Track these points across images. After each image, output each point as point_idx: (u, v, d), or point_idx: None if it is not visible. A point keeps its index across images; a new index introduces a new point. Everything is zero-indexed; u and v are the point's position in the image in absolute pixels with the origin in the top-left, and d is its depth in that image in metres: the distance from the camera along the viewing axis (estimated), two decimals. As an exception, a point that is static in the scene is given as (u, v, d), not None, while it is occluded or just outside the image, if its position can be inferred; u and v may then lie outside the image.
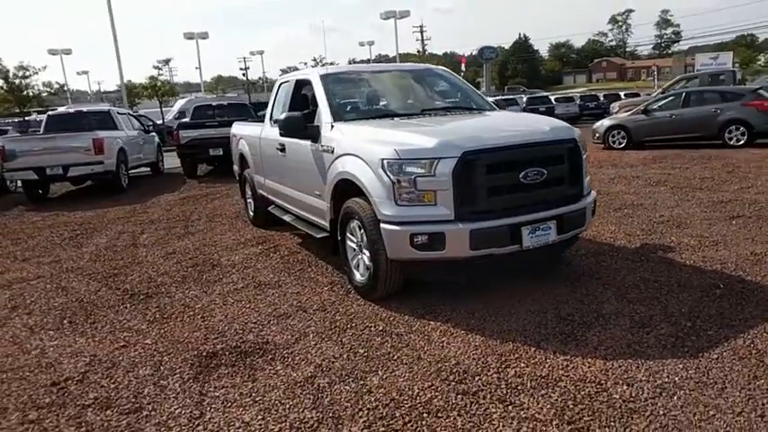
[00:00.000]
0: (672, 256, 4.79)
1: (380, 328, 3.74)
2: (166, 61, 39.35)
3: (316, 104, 5.11)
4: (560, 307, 3.87)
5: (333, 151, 4.43)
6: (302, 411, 2.78)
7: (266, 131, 6.26)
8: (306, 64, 48.50)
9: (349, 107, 4.94)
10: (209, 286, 4.96)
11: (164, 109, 33.14)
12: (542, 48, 75.19)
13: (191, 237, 7.01)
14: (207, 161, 13.72)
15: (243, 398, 2.95)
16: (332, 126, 4.59)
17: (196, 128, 13.32)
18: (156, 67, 38.52)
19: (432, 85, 5.64)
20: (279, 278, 5.02)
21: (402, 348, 3.41)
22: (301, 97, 5.65)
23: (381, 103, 5.22)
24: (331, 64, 53.25)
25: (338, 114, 4.74)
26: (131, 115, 14.36)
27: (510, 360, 3.18)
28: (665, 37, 55.84)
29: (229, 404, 2.89)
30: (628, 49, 77.43)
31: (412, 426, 2.59)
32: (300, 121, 4.83)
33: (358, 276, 4.36)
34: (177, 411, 2.85)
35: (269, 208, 6.59)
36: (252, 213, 7.47)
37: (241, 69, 57.72)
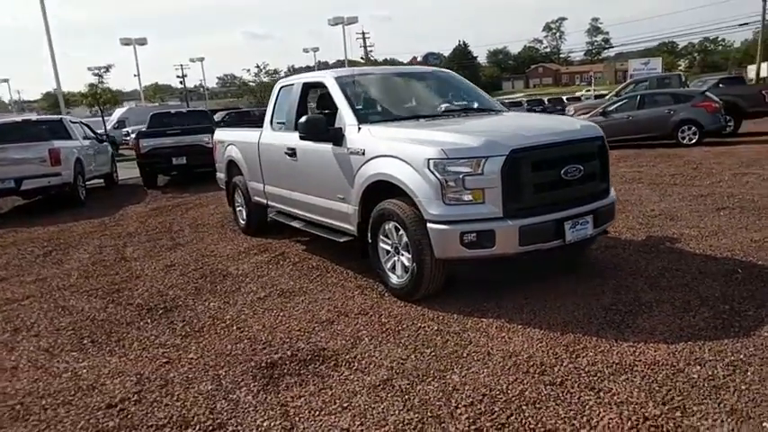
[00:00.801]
0: (680, 246, 5.06)
1: (435, 328, 3.73)
2: (107, 68, 37.34)
3: (332, 107, 5.06)
4: (600, 298, 4.00)
5: (363, 153, 4.40)
6: (399, 413, 2.73)
7: (268, 136, 6.12)
8: (250, 71, 47.70)
9: (371, 109, 4.91)
10: (230, 297, 4.78)
11: (94, 118, 31.60)
12: (481, 54, 77.99)
13: (182, 248, 6.73)
14: (169, 170, 13.19)
15: (328, 405, 2.87)
16: (359, 128, 4.55)
17: (157, 136, 12.81)
18: (96, 74, 36.48)
19: (441, 87, 5.71)
20: (301, 285, 4.91)
21: (467, 346, 3.42)
22: (315, 100, 5.56)
23: (402, 105, 5.23)
24: (275, 71, 52.64)
25: (362, 116, 4.71)
26: (83, 124, 13.61)
27: (578, 350, 3.25)
28: (595, 44, 59.10)
29: (317, 412, 2.81)
30: (561, 56, 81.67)
31: (516, 418, 2.61)
32: (323, 124, 4.76)
33: (394, 279, 4.34)
34: (265, 424, 2.74)
35: (271, 215, 6.44)
36: (243, 222, 7.27)
37: (178, 77, 55.92)
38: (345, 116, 4.74)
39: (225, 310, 4.48)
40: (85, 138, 12.82)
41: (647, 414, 2.57)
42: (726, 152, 10.73)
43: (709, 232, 5.38)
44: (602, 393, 2.77)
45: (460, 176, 3.74)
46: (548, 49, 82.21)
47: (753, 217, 5.78)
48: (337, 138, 4.72)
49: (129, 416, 2.93)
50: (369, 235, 4.51)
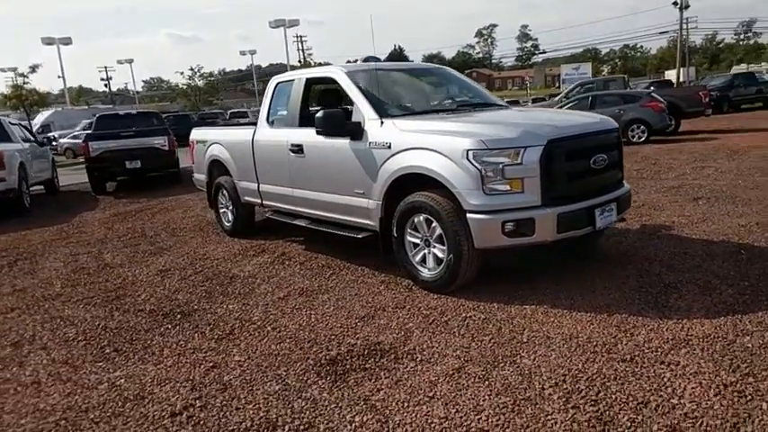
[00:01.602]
0: (676, 233, 5.37)
1: (480, 316, 3.77)
2: (33, 68, 34.32)
3: (337, 103, 5.00)
4: (627, 282, 4.18)
5: (389, 147, 4.37)
6: (489, 398, 2.74)
7: (265, 133, 5.95)
8: (183, 74, 45.86)
9: (388, 103, 4.88)
10: (247, 298, 4.61)
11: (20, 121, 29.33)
12: (416, 58, 79.30)
13: (168, 253, 6.41)
14: (122, 175, 12.50)
15: (413, 396, 2.83)
16: (381, 122, 4.52)
17: (108, 139, 12.12)
18: (21, 75, 33.54)
19: (444, 82, 5.77)
20: (319, 284, 4.81)
21: (522, 331, 3.48)
22: (317, 96, 5.46)
23: (417, 100, 5.24)
24: (210, 74, 51.02)
25: (382, 111, 4.68)
26: (23, 126, 12.67)
27: (630, 329, 3.39)
28: (525, 49, 61.61)
29: (405, 404, 2.76)
30: (494, 61, 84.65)
31: (605, 394, 2.69)
32: (342, 118, 4.70)
33: (426, 272, 4.34)
34: (358, 419, 2.66)
35: (267, 215, 6.25)
36: (229, 224, 7.02)
37: (102, 80, 53.07)
38: (364, 110, 4.69)
39: (248, 311, 4.31)
40: (25, 140, 11.94)
41: (724, 382, 2.71)
42: (675, 149, 11.49)
43: (697, 219, 5.74)
44: (672, 366, 2.90)
45: (500, 166, 3.80)
46: (480, 55, 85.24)
47: (730, 205, 6.23)
48: (356, 132, 4.66)
49: (202, 422, 2.76)
50: (394, 229, 4.48)
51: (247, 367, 3.33)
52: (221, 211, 7.22)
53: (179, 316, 4.32)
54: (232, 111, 36.58)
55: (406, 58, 67.53)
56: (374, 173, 4.54)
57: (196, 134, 7.70)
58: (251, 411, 2.81)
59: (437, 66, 6.08)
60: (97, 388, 3.25)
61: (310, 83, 5.56)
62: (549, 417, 2.56)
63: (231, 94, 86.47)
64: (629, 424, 2.46)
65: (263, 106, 6.08)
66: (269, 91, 6.06)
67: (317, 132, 4.84)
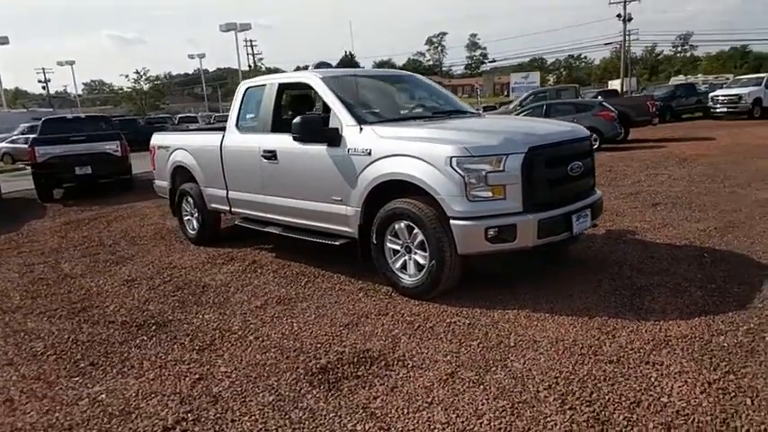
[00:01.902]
0: (640, 237, 5.61)
1: (465, 322, 3.81)
2: None
3: (308, 108, 4.98)
4: (601, 285, 4.33)
5: (369, 153, 4.37)
6: (487, 402, 2.78)
7: (234, 139, 5.83)
8: (128, 77, 44.27)
9: (365, 110, 4.89)
10: (223, 308, 4.50)
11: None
12: (367, 65, 79.38)
13: (131, 262, 6.18)
14: (70, 181, 11.92)
15: (411, 402, 2.84)
16: (360, 129, 4.52)
17: (57, 143, 11.56)
18: None
19: (416, 90, 5.82)
20: (296, 292, 4.75)
21: (509, 336, 3.55)
22: (289, 101, 5.41)
23: (392, 106, 5.26)
24: (157, 78, 49.50)
25: (360, 117, 4.68)
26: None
27: (611, 331, 3.51)
28: (474, 58, 62.97)
29: (404, 410, 2.77)
30: (444, 69, 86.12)
31: (598, 395, 2.78)
32: (319, 124, 4.67)
33: (406, 278, 4.36)
34: (360, 428, 2.65)
35: (237, 222, 6.12)
36: (194, 232, 6.83)
37: (40, 82, 50.59)
38: (341, 117, 4.68)
39: (226, 321, 4.21)
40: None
41: (707, 380, 2.86)
42: (626, 156, 11.99)
43: (658, 224, 6.02)
44: (657, 366, 3.03)
45: (482, 173, 3.87)
46: (430, 62, 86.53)
47: (687, 210, 6.56)
48: (333, 138, 4.64)
49: (197, 436, 2.68)
50: (374, 236, 4.48)
51: (236, 378, 3.25)
52: (185, 218, 7.02)
53: (154, 327, 4.17)
54: (181, 115, 35.60)
55: (356, 65, 67.55)
56: (353, 179, 4.53)
57: (158, 139, 7.47)
58: (248, 424, 2.75)
59: (408, 73, 6.15)
60: (77, 404, 3.10)
61: (283, 88, 5.50)
62: (548, 419, 2.62)
63: (178, 98, 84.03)
64: (625, 423, 2.55)
65: (232, 111, 5.97)
66: (238, 96, 5.95)
67: (294, 138, 4.79)
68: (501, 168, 3.88)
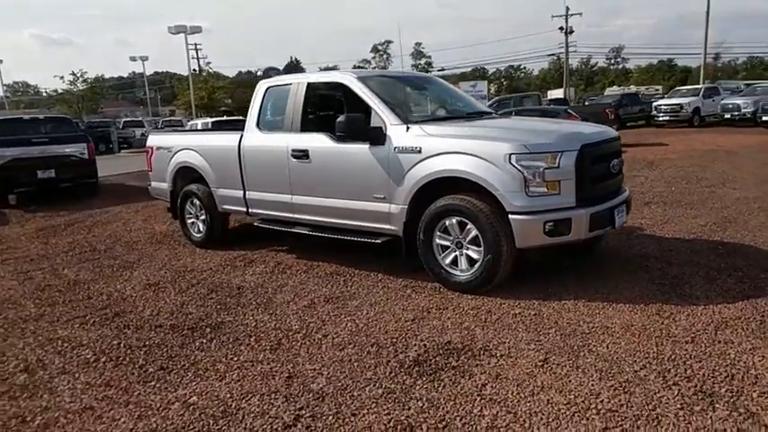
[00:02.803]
0: (650, 233, 5.95)
1: (531, 313, 3.94)
2: None
3: (347, 108, 5.00)
4: (638, 276, 4.58)
5: (420, 151, 4.44)
6: (599, 382, 2.91)
7: (256, 139, 5.73)
8: (62, 78, 41.65)
9: (404, 109, 4.94)
10: (270, 309, 4.42)
11: None
12: (313, 71, 78.36)
13: (140, 266, 5.93)
14: (31, 185, 11.19)
15: (524, 387, 2.93)
16: (407, 127, 4.58)
17: (17, 146, 10.84)
18: None
19: (442, 92, 5.93)
20: (340, 291, 4.73)
21: (579, 324, 3.71)
22: (319, 101, 5.39)
23: (428, 107, 5.34)
24: (96, 80, 47.11)
25: (404, 116, 4.74)
26: None
27: (670, 316, 3.74)
28: (419, 67, 63.94)
29: (524, 395, 2.85)
30: None
31: (692, 370, 2.98)
32: (364, 123, 4.70)
33: (458, 273, 4.44)
34: (487, 412, 2.71)
35: (256, 223, 6.00)
36: (200, 234, 6.63)
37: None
38: (383, 115, 4.72)
39: (282, 321, 4.15)
40: None
41: (781, 354, 3.12)
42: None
43: (659, 221, 6.41)
44: (729, 344, 3.28)
45: (540, 170, 4.03)
46: (376, 69, 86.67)
47: (679, 208, 7.01)
48: (378, 137, 4.67)
49: (325, 430, 2.65)
50: (421, 233, 4.55)
51: (329, 375, 3.23)
52: (189, 221, 6.80)
53: (208, 330, 4.05)
54: (126, 120, 34.11)
55: (302, 70, 67.20)
56: (399, 177, 4.58)
57: (157, 140, 7.20)
58: (371, 416, 2.75)
59: (429, 75, 6.26)
60: (170, 408, 2.98)
61: (312, 88, 5.46)
62: (658, 395, 2.78)
63: (112, 102, 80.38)
64: (729, 394, 2.75)
65: (252, 111, 5.86)
66: (257, 96, 5.85)
67: (337, 137, 4.79)
68: (556, 165, 4.05)
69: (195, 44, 38.09)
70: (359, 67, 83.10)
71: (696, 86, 23.40)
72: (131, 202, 10.67)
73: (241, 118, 23.75)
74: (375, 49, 70.88)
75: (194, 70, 43.43)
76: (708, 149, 13.12)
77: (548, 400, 2.79)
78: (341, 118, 4.72)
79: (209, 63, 44.66)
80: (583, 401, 2.76)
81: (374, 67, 65.32)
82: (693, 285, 4.30)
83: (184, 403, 3.02)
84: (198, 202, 6.58)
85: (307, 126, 5.37)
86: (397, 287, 4.71)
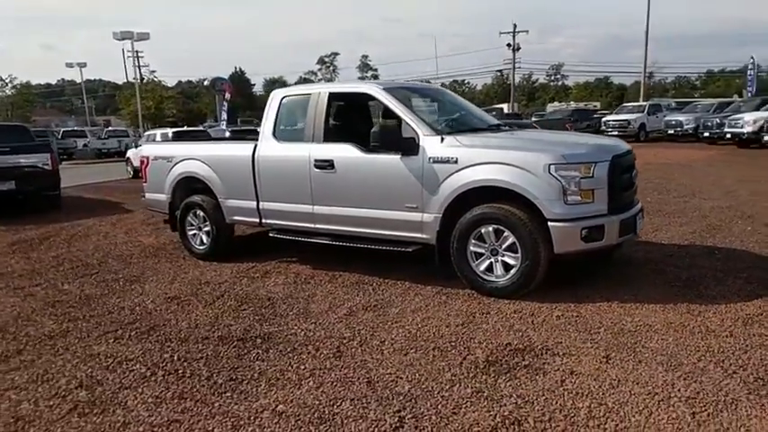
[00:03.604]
0: (647, 239, 6.33)
1: (572, 315, 4.16)
2: None
3: (387, 117, 5.13)
4: (654, 279, 4.91)
5: (456, 162, 4.61)
6: (666, 374, 3.15)
7: (273, 149, 5.72)
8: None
9: (431, 120, 5.09)
10: (310, 318, 4.43)
11: None
12: (258, 82, 78.07)
13: (147, 281, 5.75)
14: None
15: (602, 382, 3.12)
16: (441, 138, 4.74)
17: (-30, 155, 10.18)
18: None
19: (455, 104, 6.12)
20: (374, 299, 4.79)
21: (622, 322, 3.96)
22: (342, 111, 5.46)
23: (453, 118, 5.50)
24: (28, 86, 44.45)
25: (436, 127, 4.91)
26: None
27: (700, 313, 4.06)
28: (366, 79, 64.63)
29: (603, 387, 3.04)
30: None
31: (743, 360, 3.28)
32: (399, 133, 4.82)
33: (494, 279, 4.62)
34: (581, 405, 2.87)
35: (271, 234, 5.96)
36: (204, 246, 6.51)
37: None
38: (416, 126, 4.86)
39: (330, 329, 4.17)
40: None
41: (814, 343, 3.48)
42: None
43: (649, 229, 6.84)
44: (764, 337, 3.61)
45: (577, 179, 4.29)
46: (322, 81, 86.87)
47: (662, 217, 7.51)
48: (411, 148, 4.81)
49: (431, 428, 2.73)
50: (455, 241, 4.70)
51: (409, 378, 3.30)
52: (190, 233, 6.65)
53: (259, 341, 4.02)
54: (65, 129, 32.44)
55: (247, 81, 66.42)
56: (434, 187, 4.72)
57: (153, 149, 7.03)
58: (474, 414, 2.85)
59: (439, 87, 6.46)
60: (260, 417, 2.97)
61: (334, 98, 5.53)
62: (723, 383, 3.05)
63: (40, 110, 76.15)
64: (787, 381, 3.05)
65: (267, 121, 5.85)
66: (272, 105, 5.84)
67: (372, 147, 4.88)
68: (591, 174, 4.33)
69: (136, 51, 36.78)
70: (305, 80, 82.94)
71: (641, 103, 25.03)
72: (100, 215, 10.27)
73: (202, 128, 23.26)
74: (321, 61, 71.01)
75: (135, 78, 41.94)
76: (662, 163, 14.08)
77: (629, 391, 3.00)
78: (375, 128, 4.83)
79: (154, 72, 43.16)
80: (661, 391, 2.98)
81: (320, 79, 65.51)
82: (707, 286, 4.67)
83: (273, 412, 3.01)
84: (202, 214, 6.46)
85: (329, 136, 5.43)
86: (429, 294, 4.83)
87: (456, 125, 5.29)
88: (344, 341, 3.94)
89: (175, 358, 3.77)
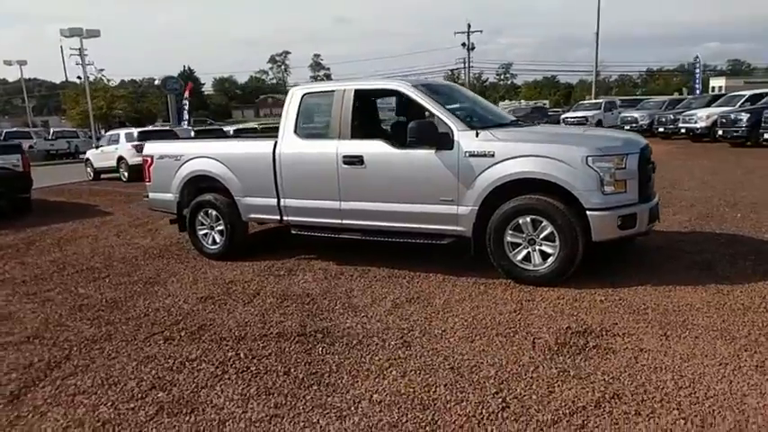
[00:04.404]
0: (646, 227, 6.71)
1: (616, 298, 4.37)
2: None
3: (414, 115, 5.22)
4: (672, 263, 5.22)
5: (493, 155, 4.75)
6: (734, 344, 3.39)
7: (295, 146, 5.69)
8: None
9: (460, 115, 5.20)
10: (360, 312, 4.45)
11: None
12: (207, 81, 75.99)
13: (166, 283, 5.62)
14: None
15: (677, 358, 3.33)
16: (477, 133, 4.87)
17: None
18: None
19: (472, 100, 6.25)
20: (414, 292, 4.87)
21: (668, 304, 4.19)
22: (369, 108, 5.50)
23: (475, 113, 5.62)
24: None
25: (469, 122, 5.04)
26: None
27: (728, 293, 4.35)
28: (318, 78, 64.08)
29: (679, 363, 3.25)
30: (288, 88, 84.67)
31: (793, 334, 3.57)
32: (435, 129, 4.91)
33: (531, 268, 4.79)
34: (666, 378, 3.06)
35: (294, 231, 5.92)
36: (217, 246, 6.40)
37: None
38: (450, 122, 4.97)
39: (385, 321, 4.23)
40: None
41: (841, 315, 3.83)
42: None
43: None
44: (797, 311, 3.94)
45: (612, 170, 4.52)
46: (274, 81, 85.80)
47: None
48: (446, 142, 4.92)
49: (536, 406, 2.86)
50: (492, 232, 4.84)
51: (490, 363, 3.41)
52: (201, 232, 6.53)
53: (320, 335, 4.03)
54: (8, 131, 30.66)
55: (197, 80, 64.59)
56: (470, 180, 4.85)
57: (157, 148, 6.83)
58: (572, 391, 2.99)
59: (453, 84, 6.59)
60: (360, 406, 3.01)
61: (361, 95, 5.56)
62: (788, 351, 3.32)
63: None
64: (835, 348, 3.36)
65: (288, 118, 5.80)
66: (293, 103, 5.81)
67: (410, 142, 4.95)
68: (623, 166, 4.57)
69: (80, 49, 35.06)
70: (257, 78, 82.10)
71: (598, 101, 26.15)
72: (79, 218, 9.89)
73: (169, 128, 22.43)
74: (273, 60, 70.01)
75: (79, 78, 40.11)
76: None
77: (701, 363, 3.22)
78: (412, 124, 4.91)
79: (102, 70, 41.18)
80: (730, 362, 3.22)
81: (272, 78, 64.69)
82: (723, 268, 5.00)
83: (371, 401, 3.06)
84: (214, 213, 6.35)
85: (357, 133, 5.46)
86: (466, 285, 4.96)
87: (480, 120, 5.43)
88: (405, 332, 4.00)
89: (242, 356, 3.74)
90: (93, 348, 4.02)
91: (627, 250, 5.71)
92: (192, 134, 19.85)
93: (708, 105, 18.83)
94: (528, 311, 4.24)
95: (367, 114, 5.89)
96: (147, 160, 6.85)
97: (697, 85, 27.63)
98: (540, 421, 2.76)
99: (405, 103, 5.89)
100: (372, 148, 5.27)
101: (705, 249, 5.63)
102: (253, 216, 6.17)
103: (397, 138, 5.36)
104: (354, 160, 5.32)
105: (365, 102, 5.79)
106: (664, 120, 20.02)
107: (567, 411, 2.82)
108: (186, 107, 27.65)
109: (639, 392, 2.95)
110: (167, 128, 22.72)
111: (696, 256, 5.42)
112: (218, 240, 6.42)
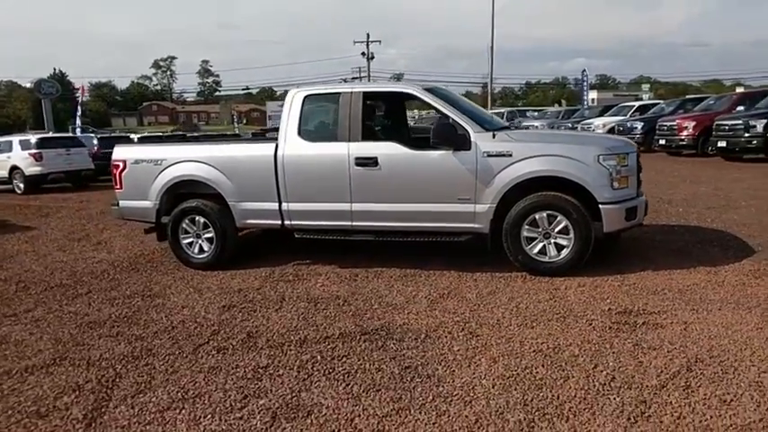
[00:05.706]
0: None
1: (637, 284, 4.79)
2: None
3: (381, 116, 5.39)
4: (668, 251, 5.81)
5: (511, 155, 5.05)
6: (759, 320, 3.92)
7: (300, 148, 5.59)
8: None
9: (475, 119, 5.44)
10: (396, 311, 4.45)
11: None
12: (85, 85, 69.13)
13: (170, 294, 5.28)
14: None
15: (718, 329, 3.78)
16: (493, 134, 5.15)
17: None
18: None
19: (470, 105, 6.50)
20: (442, 288, 5.00)
21: (681, 285, 4.69)
22: (378, 110, 5.56)
23: (478, 117, 5.86)
24: None
25: (484, 124, 5.31)
26: None
27: (720, 274, 4.98)
28: (207, 85, 61.53)
29: (726, 334, 3.69)
30: (174, 94, 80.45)
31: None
32: (455, 131, 5.11)
33: (547, 260, 5.15)
34: (713, 344, 3.50)
35: (298, 235, 5.79)
36: (205, 255, 6.08)
37: None
38: (466, 124, 5.20)
39: (434, 317, 4.31)
40: None
41: (816, 285, 4.57)
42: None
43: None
44: (781, 284, 4.64)
45: (618, 168, 5.02)
46: (158, 87, 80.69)
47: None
48: (464, 143, 5.14)
49: (638, 373, 3.15)
50: (509, 228, 5.15)
51: (570, 343, 3.65)
52: (185, 241, 6.16)
53: (383, 333, 4.05)
54: None
55: (69, 84, 58.99)
56: (488, 179, 5.11)
57: (133, 152, 6.34)
58: (657, 360, 3.32)
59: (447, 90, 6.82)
60: (474, 393, 3.10)
61: (369, 98, 5.61)
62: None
63: None
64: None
65: (290, 120, 5.70)
66: (295, 105, 5.72)
67: (433, 144, 5.10)
68: (626, 163, 5.09)
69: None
70: (139, 84, 76.56)
71: (502, 110, 27.88)
72: (19, 231, 8.77)
73: (71, 135, 20.21)
74: (157, 65, 66.09)
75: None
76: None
77: (742, 330, 3.71)
78: (434, 126, 5.07)
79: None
80: (763, 327, 3.75)
81: (156, 84, 60.95)
82: (698, 254, 5.68)
83: (483, 386, 3.16)
84: (202, 220, 6.04)
85: (368, 135, 5.51)
86: (486, 279, 5.19)
87: (488, 123, 5.72)
88: (463, 324, 4.13)
89: (318, 359, 3.65)
90: (140, 365, 3.69)
91: (607, 243, 6.29)
92: (95, 141, 18.37)
93: (600, 115, 20.98)
94: (562, 298, 4.56)
95: (380, 117, 5.95)
96: (117, 165, 6.32)
97: (585, 97, 30.69)
98: (650, 386, 3.04)
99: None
100: (387, 150, 5.35)
101: (672, 239, 6.35)
102: (249, 221, 5.95)
103: (407, 140, 5.49)
104: (368, 162, 5.36)
105: (378, 105, 5.85)
106: (563, 128, 21.98)
107: (667, 376, 3.14)
108: (80, 112, 25.36)
109: (715, 356, 3.35)
110: (70, 135, 20.79)
111: (671, 244, 6.11)
112: (206, 249, 6.09)
